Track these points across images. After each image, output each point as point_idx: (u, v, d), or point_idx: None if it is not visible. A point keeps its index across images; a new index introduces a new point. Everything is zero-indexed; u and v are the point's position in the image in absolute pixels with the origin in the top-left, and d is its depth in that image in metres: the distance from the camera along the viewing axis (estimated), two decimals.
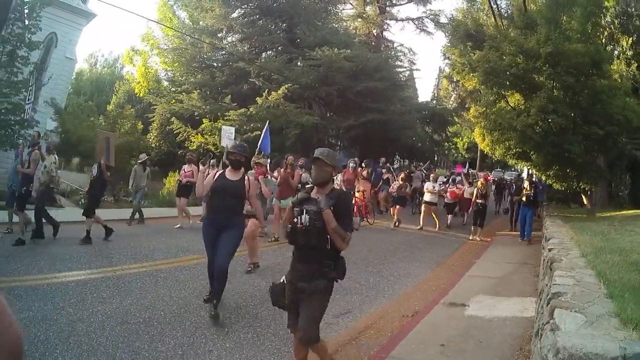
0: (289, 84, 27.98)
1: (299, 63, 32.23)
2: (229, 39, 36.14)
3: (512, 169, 60.41)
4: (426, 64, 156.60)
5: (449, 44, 28.87)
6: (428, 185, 20.93)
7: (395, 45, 45.32)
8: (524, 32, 20.20)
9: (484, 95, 23.16)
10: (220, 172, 8.13)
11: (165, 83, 38.73)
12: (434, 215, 20.54)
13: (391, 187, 21.70)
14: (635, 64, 22.62)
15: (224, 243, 7.49)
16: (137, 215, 16.69)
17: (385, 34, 45.26)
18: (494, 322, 8.17)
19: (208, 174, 8.23)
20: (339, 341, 7.18)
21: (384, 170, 25.07)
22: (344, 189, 18.34)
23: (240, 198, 7.91)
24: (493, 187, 29.73)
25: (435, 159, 48.18)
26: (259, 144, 19.62)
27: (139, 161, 17.15)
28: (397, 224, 19.97)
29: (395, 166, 33.78)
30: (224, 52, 34.14)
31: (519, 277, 12.10)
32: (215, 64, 34.41)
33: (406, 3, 44.39)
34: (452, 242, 18.14)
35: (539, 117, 18.13)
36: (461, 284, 11.31)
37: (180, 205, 16.53)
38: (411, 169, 31.78)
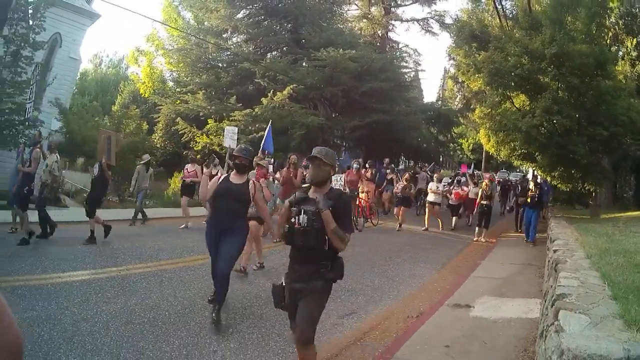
0: (294, 85, 27.92)
1: (304, 64, 32.18)
2: (234, 39, 36.13)
3: (517, 170, 60.38)
4: (431, 64, 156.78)
5: (454, 45, 28.77)
6: (432, 186, 20.90)
7: (400, 46, 45.31)
8: (529, 32, 20.18)
9: (489, 96, 23.14)
10: (224, 175, 8.03)
11: (171, 83, 38.74)
12: (435, 214, 20.49)
13: (395, 188, 21.66)
14: None
15: (226, 248, 7.39)
16: (139, 216, 16.70)
17: (390, 34, 45.24)
18: (498, 324, 8.17)
19: (213, 175, 8.18)
20: (344, 342, 7.17)
21: (388, 171, 25.06)
22: (347, 189, 18.36)
23: (244, 202, 7.75)
24: (498, 188, 29.69)
25: (441, 159, 48.12)
26: (262, 143, 19.65)
27: (142, 162, 17.13)
28: (399, 226, 19.87)
29: (400, 167, 33.75)
30: (229, 53, 34.09)
31: (524, 278, 12.09)
32: (220, 65, 34.40)
33: (411, 4, 44.30)
34: (457, 243, 18.12)
35: (544, 118, 18.12)
36: (466, 285, 11.30)
37: (183, 204, 16.54)
38: (416, 169, 31.74)
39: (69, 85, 29.15)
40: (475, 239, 18.33)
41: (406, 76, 39.94)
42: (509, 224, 23.47)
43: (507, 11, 27.29)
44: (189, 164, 17.05)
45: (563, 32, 18.37)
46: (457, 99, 48.52)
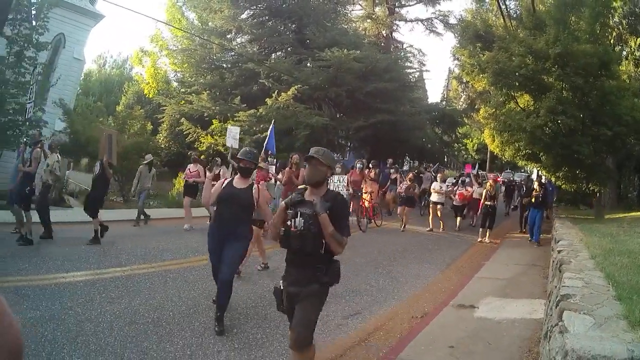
0: (299, 85, 27.86)
1: (308, 64, 32.12)
2: (238, 40, 36.04)
3: (522, 170, 60.29)
4: (436, 65, 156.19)
5: (458, 45, 28.84)
6: (435, 186, 20.82)
7: (404, 46, 45.19)
8: (533, 32, 20.19)
9: (493, 96, 23.14)
10: (228, 180, 7.87)
11: (175, 84, 38.74)
12: (439, 215, 20.45)
13: (399, 188, 21.64)
14: None
15: (229, 253, 7.26)
16: (145, 216, 16.70)
17: (395, 34, 45.12)
18: (503, 324, 8.17)
19: (216, 175, 8.11)
20: (349, 342, 7.19)
21: (392, 170, 25.04)
22: (351, 190, 18.33)
23: (248, 207, 7.55)
24: (503, 188, 29.66)
25: (445, 160, 48.08)
26: (265, 144, 19.63)
27: (145, 162, 17.10)
28: (404, 227, 19.84)
29: (405, 168, 33.71)
30: (233, 53, 34.07)
31: (528, 278, 12.10)
32: (224, 65, 34.35)
33: (415, 4, 44.25)
34: (461, 243, 18.10)
35: (548, 118, 18.14)
36: (470, 285, 11.31)
37: (185, 205, 16.52)
38: (420, 169, 31.71)
39: (73, 85, 29.21)
40: (479, 240, 18.30)
41: (410, 76, 39.85)
42: (514, 225, 23.47)
43: (511, 11, 27.31)
44: (191, 164, 16.97)
45: (567, 32, 18.37)
46: (462, 99, 48.61)
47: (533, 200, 17.92)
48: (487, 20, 27.07)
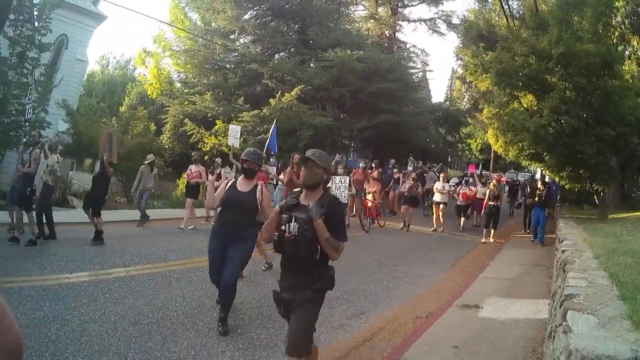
0: (302, 86, 27.84)
1: (311, 64, 32.12)
2: (242, 40, 36.05)
3: (526, 170, 60.30)
4: (439, 65, 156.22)
5: (461, 45, 28.76)
6: (438, 185, 20.91)
7: (407, 46, 45.28)
8: (536, 32, 20.17)
9: (496, 96, 23.12)
10: (232, 181, 7.70)
11: (178, 84, 38.78)
12: (440, 215, 20.48)
13: (402, 187, 21.61)
14: None
15: (233, 257, 7.15)
16: (144, 216, 16.70)
17: (398, 35, 45.14)
18: (507, 324, 8.19)
19: (217, 177, 8.04)
20: (353, 343, 7.20)
21: (395, 170, 25.04)
22: (353, 190, 18.33)
23: (252, 211, 7.39)
24: (506, 188, 29.65)
25: (449, 160, 48.06)
26: (266, 143, 19.65)
27: (146, 162, 17.08)
28: (406, 226, 19.92)
29: (409, 168, 33.72)
30: (236, 54, 34.04)
31: (532, 278, 12.10)
32: (227, 66, 34.36)
33: (418, 4, 44.22)
34: (466, 243, 18.13)
35: (552, 118, 18.11)
36: (474, 285, 11.32)
37: (187, 206, 16.49)
38: (424, 169, 31.71)
39: (76, 86, 29.24)
40: (483, 241, 18.29)
41: (414, 76, 39.88)
42: (518, 225, 23.46)
43: (513, 11, 27.24)
44: (193, 165, 16.94)
45: (570, 31, 18.36)
46: (465, 99, 48.58)
47: (537, 199, 17.95)
48: (490, 20, 27.02)
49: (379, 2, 43.14)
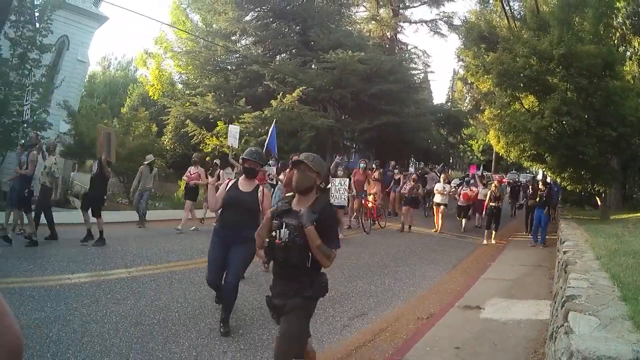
0: (304, 87, 27.86)
1: (313, 66, 32.06)
2: (243, 41, 36.07)
3: (527, 171, 60.33)
4: (440, 66, 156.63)
5: (463, 46, 28.79)
6: (438, 186, 20.86)
7: (409, 47, 45.32)
8: (537, 33, 20.20)
9: (498, 97, 23.14)
10: (233, 181, 7.58)
11: (180, 86, 38.91)
12: (440, 216, 20.49)
13: (403, 188, 21.60)
14: None
15: (234, 259, 7.08)
16: (142, 217, 16.70)
17: (399, 36, 45.19)
18: (508, 325, 8.18)
19: (217, 178, 7.95)
20: (355, 343, 7.21)
21: (396, 171, 25.03)
22: (354, 191, 18.30)
23: (254, 211, 7.16)
24: (508, 189, 29.63)
25: (451, 161, 48.06)
26: (266, 143, 19.62)
27: (145, 162, 17.03)
28: (406, 227, 19.83)
29: (410, 169, 33.74)
30: (237, 55, 34.03)
31: (534, 279, 12.10)
32: (229, 67, 34.38)
33: (419, 5, 44.30)
34: (467, 244, 18.13)
35: (553, 119, 18.12)
36: (476, 286, 11.31)
37: (186, 207, 16.47)
38: (425, 170, 31.70)
39: (77, 87, 29.34)
40: (484, 242, 18.28)
41: (415, 78, 39.88)
42: (519, 226, 23.46)
43: (515, 12, 27.27)
44: (192, 167, 16.89)
45: (571, 32, 18.37)
46: (467, 100, 48.68)
47: (538, 199, 17.96)
48: (491, 21, 27.01)
49: (380, 3, 43.20)
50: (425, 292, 10.74)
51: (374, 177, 20.33)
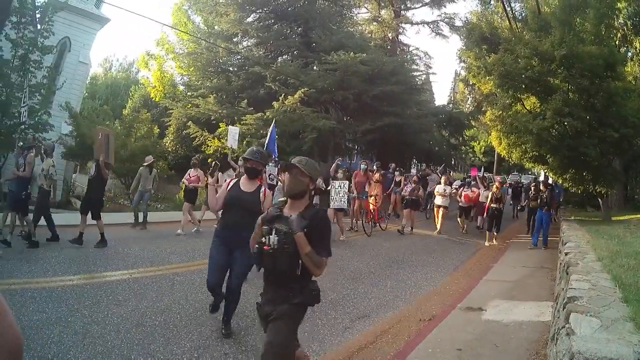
0: (305, 88, 27.89)
1: (315, 67, 32.06)
2: (245, 43, 36.09)
3: (529, 173, 60.35)
4: (442, 67, 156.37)
5: (464, 47, 28.68)
6: (439, 188, 20.89)
7: (410, 48, 45.35)
8: (538, 34, 20.18)
9: (499, 98, 23.12)
10: (234, 181, 7.39)
11: (181, 87, 38.87)
12: (440, 217, 20.52)
13: (404, 191, 21.57)
14: None
15: (238, 261, 6.91)
16: (140, 218, 16.68)
17: (401, 37, 45.32)
18: (510, 327, 8.18)
19: (215, 180, 7.86)
20: (356, 345, 7.20)
21: (396, 173, 25.01)
22: (355, 192, 18.28)
23: (255, 212, 6.38)
24: (509, 191, 29.59)
25: (453, 162, 48.06)
26: (265, 144, 19.57)
27: (145, 164, 17.05)
28: (406, 229, 19.73)
29: (412, 171, 33.69)
30: (239, 57, 33.98)
31: (536, 281, 12.09)
32: (231, 69, 34.36)
33: (421, 6, 44.42)
34: (469, 246, 18.12)
35: (555, 120, 18.09)
36: (478, 288, 11.32)
37: (184, 209, 16.45)
38: (427, 171, 31.68)
39: (79, 89, 29.36)
40: (486, 244, 18.27)
41: (417, 79, 39.80)
42: (521, 227, 23.48)
43: (516, 13, 27.31)
44: (192, 169, 16.87)
45: (572, 33, 18.38)
46: (468, 102, 48.68)
47: (538, 201, 17.96)
48: (493, 22, 26.95)
49: (382, 4, 43.30)
50: (427, 293, 10.75)
51: (375, 179, 20.28)
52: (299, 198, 4.72)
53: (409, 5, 44.24)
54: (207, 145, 28.54)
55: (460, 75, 50.38)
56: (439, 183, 21.59)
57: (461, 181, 28.25)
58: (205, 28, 36.22)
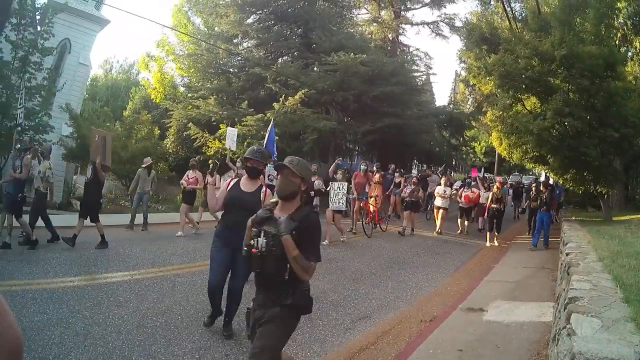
0: (306, 89, 27.89)
1: (315, 68, 32.08)
2: (245, 44, 36.14)
3: (530, 173, 60.36)
4: (442, 68, 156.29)
5: (465, 48, 28.68)
6: (439, 189, 20.87)
7: (411, 49, 45.45)
8: (538, 34, 20.19)
9: (500, 98, 23.12)
10: (235, 181, 7.28)
11: (182, 89, 38.87)
12: (439, 218, 20.56)
13: (403, 192, 21.56)
14: None
15: (239, 262, 6.63)
16: (141, 220, 16.70)
17: (401, 38, 45.38)
18: (511, 327, 8.17)
19: (214, 181, 7.78)
20: (357, 346, 7.20)
21: (396, 174, 24.99)
22: (355, 193, 18.26)
23: (255, 212, 6.88)
24: (510, 191, 29.57)
25: (454, 163, 48.06)
26: (264, 144, 19.50)
27: (143, 165, 17.06)
28: (407, 230, 19.61)
29: (413, 172, 33.67)
30: (239, 58, 34.03)
31: (537, 281, 12.09)
32: (231, 70, 34.39)
33: (421, 7, 44.51)
34: (470, 247, 18.10)
35: (555, 120, 18.09)
36: (479, 289, 11.31)
37: (181, 211, 16.40)
38: (427, 172, 31.66)
39: (79, 90, 29.40)
40: (488, 244, 18.25)
41: (417, 80, 39.81)
42: (522, 228, 23.47)
43: (516, 13, 27.34)
44: (190, 171, 16.87)
45: (572, 33, 18.39)
46: (469, 102, 48.72)
47: (538, 201, 17.95)
48: (493, 22, 26.94)
49: (382, 5, 43.35)
50: (428, 294, 10.74)
51: (375, 180, 20.24)
52: (290, 199, 4.62)
53: (409, 6, 44.35)
54: (208, 147, 28.53)
55: (460, 75, 50.45)
56: (439, 184, 21.56)
57: (461, 182, 28.23)
58: (206, 29, 36.30)
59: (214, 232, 7.37)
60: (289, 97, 27.38)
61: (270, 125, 20.55)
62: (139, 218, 16.71)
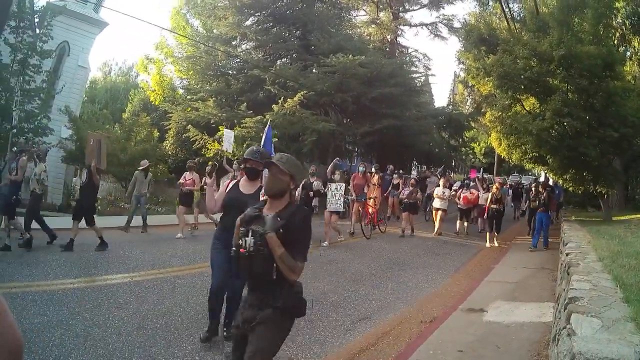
0: (305, 91, 27.82)
1: (313, 70, 32.14)
2: (243, 46, 36.17)
3: (530, 174, 60.35)
4: (441, 69, 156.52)
5: (463, 49, 28.66)
6: (438, 191, 20.86)
7: (409, 50, 45.27)
8: (537, 35, 20.16)
9: (499, 99, 23.10)
10: (234, 182, 7.18)
11: (181, 91, 38.83)
12: (438, 219, 20.56)
13: (402, 194, 21.55)
14: None
15: None
16: (138, 222, 16.68)
17: (400, 39, 45.28)
18: (511, 328, 8.17)
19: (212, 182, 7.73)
20: (358, 347, 7.20)
21: (395, 175, 24.98)
22: (353, 195, 18.25)
23: None
24: (510, 192, 29.55)
25: (453, 164, 48.04)
26: (261, 145, 19.47)
27: (140, 167, 17.08)
28: (406, 232, 19.65)
29: (413, 173, 33.67)
30: (238, 60, 34.08)
31: (537, 282, 12.08)
32: (230, 72, 34.41)
33: (419, 8, 44.42)
34: (470, 248, 18.10)
35: (554, 121, 18.08)
36: (479, 289, 11.31)
37: (178, 213, 16.48)
38: (426, 173, 31.64)
39: (78, 93, 29.42)
40: (488, 245, 18.24)
41: (416, 81, 39.79)
42: (522, 228, 23.46)
43: (514, 14, 27.25)
44: (187, 172, 16.90)
45: (570, 33, 18.37)
46: (468, 103, 48.67)
47: (537, 202, 17.94)
48: (491, 23, 26.91)
49: (380, 7, 43.28)
50: (428, 295, 10.74)
51: (374, 182, 20.22)
52: (278, 197, 4.43)
53: (407, 7, 44.24)
54: (207, 149, 28.50)
55: (459, 76, 50.33)
56: (438, 185, 21.54)
57: (460, 182, 28.24)
58: (204, 32, 36.33)
59: (213, 234, 7.35)
60: (288, 99, 27.37)
61: (267, 126, 20.56)
62: (137, 220, 16.71)
